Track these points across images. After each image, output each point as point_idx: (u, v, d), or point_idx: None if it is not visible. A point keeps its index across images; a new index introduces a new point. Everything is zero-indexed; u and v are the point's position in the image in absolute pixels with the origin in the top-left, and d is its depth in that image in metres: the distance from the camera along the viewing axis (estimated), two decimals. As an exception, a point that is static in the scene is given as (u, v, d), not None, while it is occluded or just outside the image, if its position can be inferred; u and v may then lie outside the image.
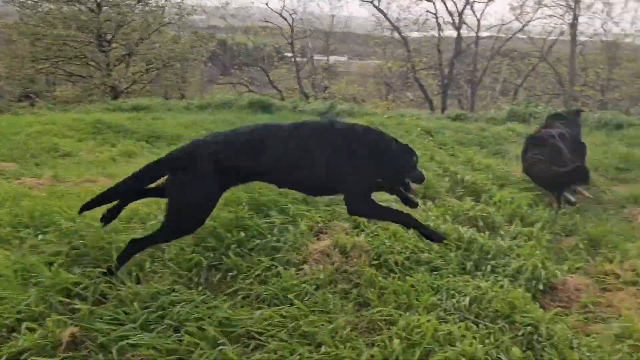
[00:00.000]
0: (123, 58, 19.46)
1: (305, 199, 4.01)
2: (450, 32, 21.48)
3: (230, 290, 2.93)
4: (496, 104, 20.99)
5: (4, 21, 19.78)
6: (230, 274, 3.08)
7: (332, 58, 29.62)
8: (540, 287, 3.30)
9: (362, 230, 3.69)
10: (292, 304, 2.77)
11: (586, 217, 4.49)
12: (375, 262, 3.33)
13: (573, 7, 18.19)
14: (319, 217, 3.86)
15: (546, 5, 19.90)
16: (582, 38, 22.18)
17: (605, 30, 21.57)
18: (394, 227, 3.70)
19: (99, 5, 18.20)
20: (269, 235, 3.46)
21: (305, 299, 2.86)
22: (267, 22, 23.83)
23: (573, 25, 18.58)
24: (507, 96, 24.57)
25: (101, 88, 18.41)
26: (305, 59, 26.12)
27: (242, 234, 3.41)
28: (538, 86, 25.55)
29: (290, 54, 25.72)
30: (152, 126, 9.09)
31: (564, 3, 19.38)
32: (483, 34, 21.40)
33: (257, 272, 3.06)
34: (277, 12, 23.36)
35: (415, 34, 23.25)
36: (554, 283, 3.40)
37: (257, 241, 3.36)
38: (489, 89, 24.30)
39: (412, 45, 21.97)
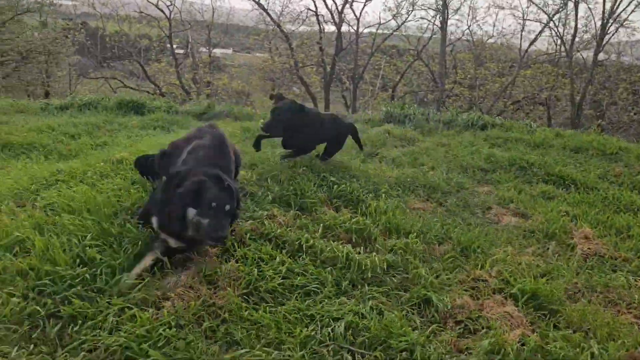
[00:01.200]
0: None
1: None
2: (332, 28, 21.78)
3: (72, 345, 2.49)
4: (376, 99, 21.72)
5: None
6: (72, 323, 2.62)
7: (217, 51, 28.70)
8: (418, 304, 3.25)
9: (232, 255, 3.40)
10: (147, 356, 2.43)
11: (456, 222, 4.54)
12: (245, 292, 3.06)
13: (442, 10, 19.51)
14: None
15: (420, 8, 21.01)
16: (452, 38, 23.81)
17: (471, 32, 23.38)
18: (266, 248, 3.47)
19: None
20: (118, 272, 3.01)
21: (165, 346, 2.53)
22: (142, 13, 22.22)
23: (443, 27, 19.90)
24: (387, 92, 25.63)
25: None
26: (183, 52, 24.96)
27: (87, 270, 2.92)
28: (415, 82, 27.01)
29: (173, 47, 24.34)
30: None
31: (434, 6, 20.80)
32: (363, 31, 21.97)
33: (106, 318, 2.64)
34: (152, 3, 21.91)
35: (301, 28, 23.20)
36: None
37: (107, 279, 2.92)
38: (370, 84, 25.08)
39: (295, 40, 21.93)
